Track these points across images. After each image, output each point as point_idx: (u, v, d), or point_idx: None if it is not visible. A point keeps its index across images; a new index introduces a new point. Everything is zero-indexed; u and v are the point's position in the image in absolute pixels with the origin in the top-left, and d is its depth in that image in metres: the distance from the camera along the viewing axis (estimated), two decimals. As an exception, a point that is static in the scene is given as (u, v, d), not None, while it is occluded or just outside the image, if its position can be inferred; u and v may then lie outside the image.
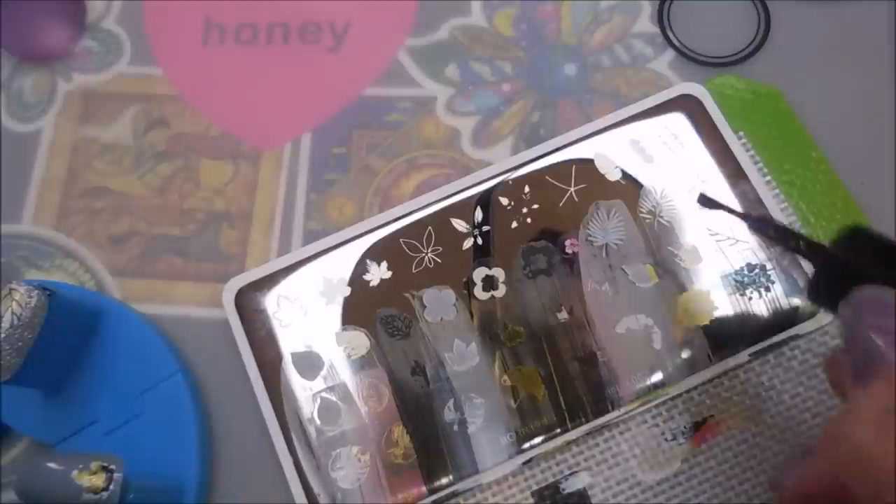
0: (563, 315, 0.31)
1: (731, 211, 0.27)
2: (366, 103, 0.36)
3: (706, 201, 0.28)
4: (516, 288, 0.31)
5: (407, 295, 0.31)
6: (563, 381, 0.30)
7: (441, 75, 0.37)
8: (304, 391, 0.30)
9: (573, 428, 0.29)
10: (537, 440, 0.29)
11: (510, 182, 0.33)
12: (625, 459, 0.30)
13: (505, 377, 0.30)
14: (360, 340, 0.31)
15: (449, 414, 0.30)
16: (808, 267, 0.29)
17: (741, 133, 0.33)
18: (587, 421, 0.29)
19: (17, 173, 0.36)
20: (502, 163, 0.33)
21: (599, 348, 0.30)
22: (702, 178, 0.32)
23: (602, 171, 0.33)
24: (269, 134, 0.36)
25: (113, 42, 0.38)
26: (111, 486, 0.25)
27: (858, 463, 0.19)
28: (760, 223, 0.26)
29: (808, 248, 0.24)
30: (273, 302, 0.31)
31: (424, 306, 0.31)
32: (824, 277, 0.23)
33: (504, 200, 0.33)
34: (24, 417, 0.31)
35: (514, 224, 0.32)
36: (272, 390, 0.30)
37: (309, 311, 0.31)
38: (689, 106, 0.33)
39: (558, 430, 0.29)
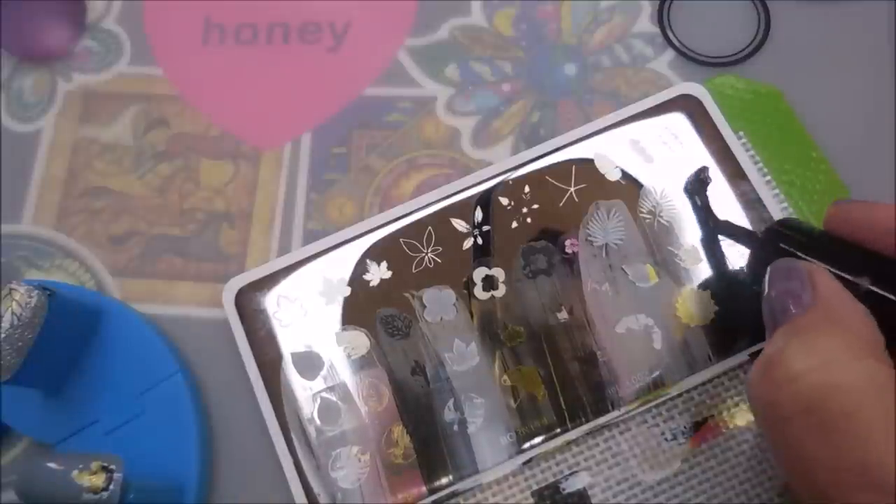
0: (563, 315, 0.31)
1: (706, 209, 0.32)
2: (366, 103, 0.36)
3: (699, 183, 0.32)
4: (516, 288, 0.31)
5: (407, 295, 0.31)
6: (563, 381, 0.30)
7: (441, 75, 0.37)
8: (304, 391, 0.30)
9: (573, 428, 0.29)
10: (537, 440, 0.29)
11: (510, 182, 0.33)
12: (625, 459, 0.30)
13: (505, 377, 0.30)
14: (360, 340, 0.31)
15: (449, 414, 0.30)
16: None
17: (741, 133, 0.33)
18: (587, 421, 0.29)
19: (17, 173, 0.36)
20: (502, 163, 0.33)
21: (599, 348, 0.30)
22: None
23: (602, 171, 0.33)
24: (269, 134, 0.36)
25: (113, 42, 0.38)
26: (111, 486, 0.25)
27: (750, 402, 0.23)
28: (719, 226, 0.31)
29: (747, 238, 0.30)
30: (273, 302, 0.31)
31: (424, 306, 0.31)
32: (757, 260, 0.28)
33: (504, 200, 0.33)
34: (24, 417, 0.31)
35: (514, 224, 0.32)
36: (272, 390, 0.30)
37: (309, 311, 0.31)
38: (689, 106, 0.33)
39: (558, 430, 0.29)
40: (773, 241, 0.27)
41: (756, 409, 0.23)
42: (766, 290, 0.24)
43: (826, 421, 0.20)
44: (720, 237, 0.31)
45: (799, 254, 0.25)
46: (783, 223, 0.27)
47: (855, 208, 0.25)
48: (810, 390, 0.20)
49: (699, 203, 0.32)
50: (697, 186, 0.32)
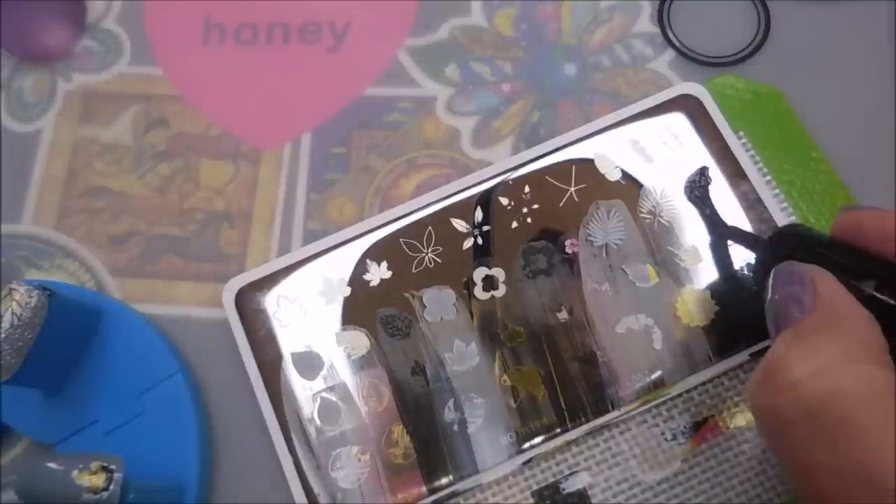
0: (563, 315, 0.31)
1: (713, 215, 0.32)
2: (366, 103, 0.36)
3: (702, 189, 0.32)
4: (516, 288, 0.31)
5: (407, 295, 0.31)
6: (563, 381, 0.30)
7: (441, 75, 0.37)
8: (304, 391, 0.30)
9: (573, 428, 0.29)
10: (537, 440, 0.29)
11: (510, 182, 0.33)
12: (625, 459, 0.30)
13: (505, 377, 0.30)
14: (360, 340, 0.31)
15: (449, 414, 0.30)
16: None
17: (741, 133, 0.33)
18: (587, 421, 0.29)
19: (17, 173, 0.36)
20: (502, 163, 0.33)
21: (599, 348, 0.30)
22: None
23: (602, 171, 0.33)
24: (269, 134, 0.36)
25: (113, 42, 0.38)
26: (111, 486, 0.25)
27: (752, 408, 0.23)
28: (727, 232, 0.31)
29: (754, 243, 0.30)
30: (273, 302, 0.31)
31: (424, 306, 0.31)
32: (763, 264, 0.27)
33: (504, 200, 0.33)
34: (24, 417, 0.31)
35: (514, 224, 0.32)
36: (272, 390, 0.30)
37: (309, 311, 0.31)
38: (689, 106, 0.33)
39: (558, 430, 0.29)
40: (779, 245, 0.27)
41: (757, 415, 0.23)
42: (770, 294, 0.24)
43: (826, 426, 0.20)
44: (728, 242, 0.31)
45: (804, 257, 0.25)
46: (790, 228, 0.27)
47: (864, 216, 0.24)
48: (810, 396, 0.20)
49: (706, 211, 0.32)
50: (702, 192, 0.32)
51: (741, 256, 0.31)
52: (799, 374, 0.21)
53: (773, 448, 0.23)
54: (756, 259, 0.29)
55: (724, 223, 0.31)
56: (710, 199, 0.32)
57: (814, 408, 0.20)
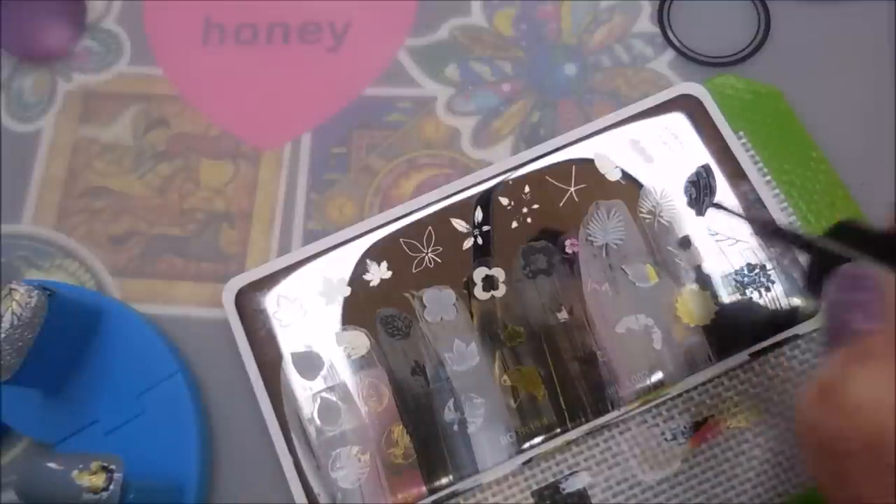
0: (563, 315, 0.31)
1: (740, 216, 0.31)
2: (366, 103, 0.36)
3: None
4: (516, 288, 0.31)
5: (407, 295, 0.31)
6: (563, 381, 0.30)
7: (441, 75, 0.37)
8: (304, 391, 0.30)
9: (573, 428, 0.29)
10: (537, 440, 0.29)
11: (510, 182, 0.33)
12: (625, 459, 0.30)
13: (505, 377, 0.30)
14: (360, 340, 0.31)
15: (449, 414, 0.30)
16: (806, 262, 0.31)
17: (741, 133, 0.33)
18: (587, 421, 0.29)
19: (17, 173, 0.36)
20: (502, 163, 0.33)
21: (599, 348, 0.30)
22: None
23: (602, 171, 0.33)
24: (269, 134, 0.36)
25: (113, 42, 0.38)
26: (111, 486, 0.25)
27: (799, 426, 0.21)
28: (763, 226, 0.29)
29: (803, 244, 0.27)
30: (273, 302, 0.31)
31: (424, 306, 0.31)
32: (815, 268, 0.25)
33: (504, 200, 0.33)
34: (24, 417, 0.31)
35: (514, 224, 0.32)
36: (272, 390, 0.30)
37: (309, 311, 0.31)
38: (689, 106, 0.33)
39: (558, 430, 0.29)
40: (838, 240, 0.24)
41: (806, 435, 0.21)
42: (831, 297, 0.22)
43: (889, 462, 0.18)
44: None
45: (861, 254, 0.23)
46: (849, 223, 0.25)
47: None
48: (874, 424, 0.18)
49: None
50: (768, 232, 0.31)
51: (742, 255, 0.31)
52: (864, 396, 0.19)
53: (817, 471, 0.20)
54: (810, 260, 0.27)
55: (773, 221, 0.30)
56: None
57: (877, 439, 0.18)
